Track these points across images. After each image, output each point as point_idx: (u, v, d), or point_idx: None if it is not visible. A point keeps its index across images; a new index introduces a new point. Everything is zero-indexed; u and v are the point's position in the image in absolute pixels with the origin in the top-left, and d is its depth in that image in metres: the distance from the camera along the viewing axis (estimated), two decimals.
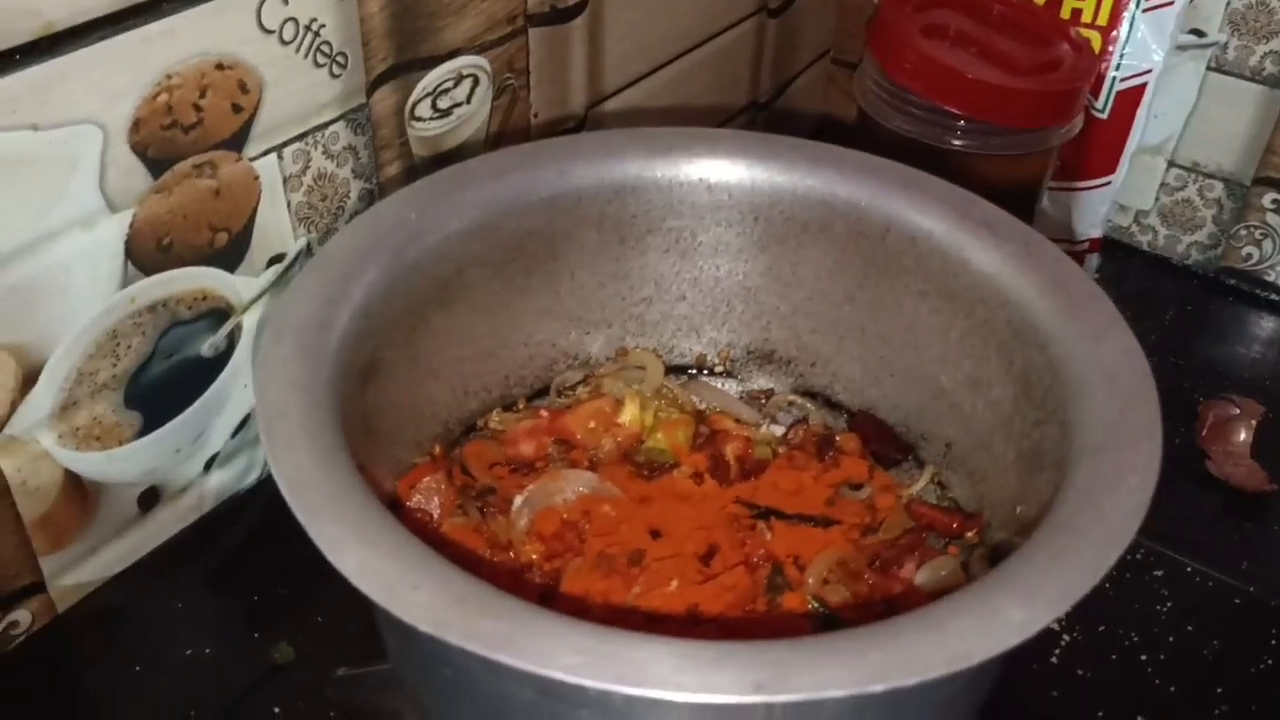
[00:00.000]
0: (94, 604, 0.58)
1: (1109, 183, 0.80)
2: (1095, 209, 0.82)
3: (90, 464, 0.55)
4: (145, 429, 0.56)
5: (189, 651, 0.56)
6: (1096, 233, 0.83)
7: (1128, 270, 0.90)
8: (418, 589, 0.37)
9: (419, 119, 0.63)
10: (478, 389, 0.60)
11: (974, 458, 0.56)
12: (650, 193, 0.58)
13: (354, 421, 0.49)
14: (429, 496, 0.55)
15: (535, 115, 0.70)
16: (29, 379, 0.50)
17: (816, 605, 0.51)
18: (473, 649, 0.35)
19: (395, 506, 0.55)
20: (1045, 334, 0.49)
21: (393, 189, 0.62)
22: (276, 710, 0.53)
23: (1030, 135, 0.69)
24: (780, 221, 0.59)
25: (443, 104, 0.64)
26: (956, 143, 0.68)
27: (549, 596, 0.52)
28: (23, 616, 0.55)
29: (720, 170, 0.58)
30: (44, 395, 0.51)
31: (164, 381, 0.56)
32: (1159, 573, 0.63)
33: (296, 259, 0.60)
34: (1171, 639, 0.60)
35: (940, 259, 0.54)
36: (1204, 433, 0.71)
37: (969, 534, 0.55)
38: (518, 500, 0.55)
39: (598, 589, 0.52)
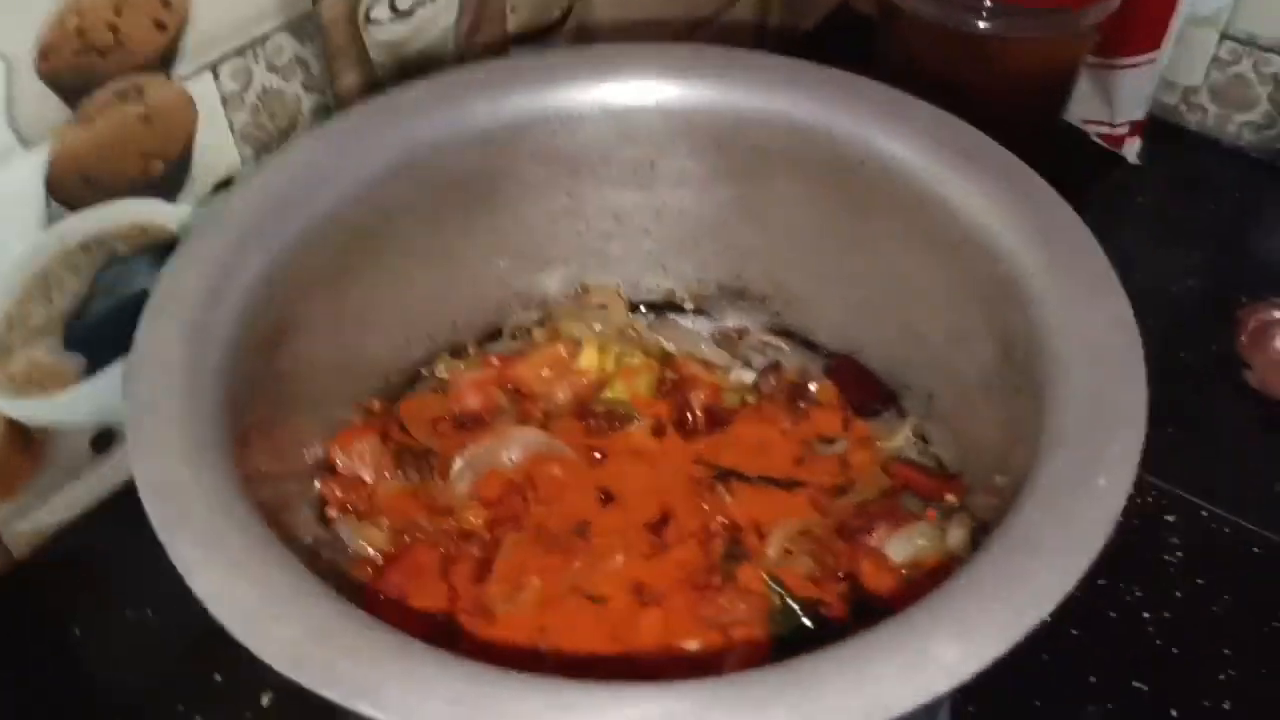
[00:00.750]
0: (57, 548, 0.55)
1: (1154, 59, 0.72)
2: (1138, 88, 0.74)
3: (32, 410, 0.52)
4: (90, 370, 0.54)
5: (159, 589, 0.53)
6: (1139, 114, 0.75)
7: (1173, 153, 0.81)
8: (279, 620, 0.33)
9: (375, 22, 0.57)
10: (420, 336, 0.56)
11: (958, 414, 0.51)
12: (599, 121, 0.53)
13: (261, 393, 0.45)
14: (359, 460, 0.51)
15: (512, 9, 0.64)
16: None
17: (774, 586, 0.47)
18: (329, 695, 0.32)
19: (329, 470, 0.51)
20: (1027, 292, 0.43)
21: (351, 100, 0.56)
22: None
23: (1064, 15, 0.61)
24: (747, 150, 0.53)
25: (402, 4, 0.58)
26: (983, 25, 0.61)
27: (484, 571, 0.48)
28: None
29: (675, 94, 0.52)
30: None
31: (106, 321, 0.53)
32: (1170, 518, 0.58)
33: None
34: (1178, 594, 0.54)
35: (917, 196, 0.48)
36: (1244, 339, 0.64)
37: (949, 496, 0.50)
38: (458, 462, 0.52)
39: (535, 565, 0.48)
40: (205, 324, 0.42)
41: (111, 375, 0.54)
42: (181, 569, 0.34)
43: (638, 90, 0.52)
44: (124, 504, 0.55)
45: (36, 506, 0.54)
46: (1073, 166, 0.74)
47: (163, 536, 0.35)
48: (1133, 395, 0.38)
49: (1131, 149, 0.77)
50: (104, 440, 0.56)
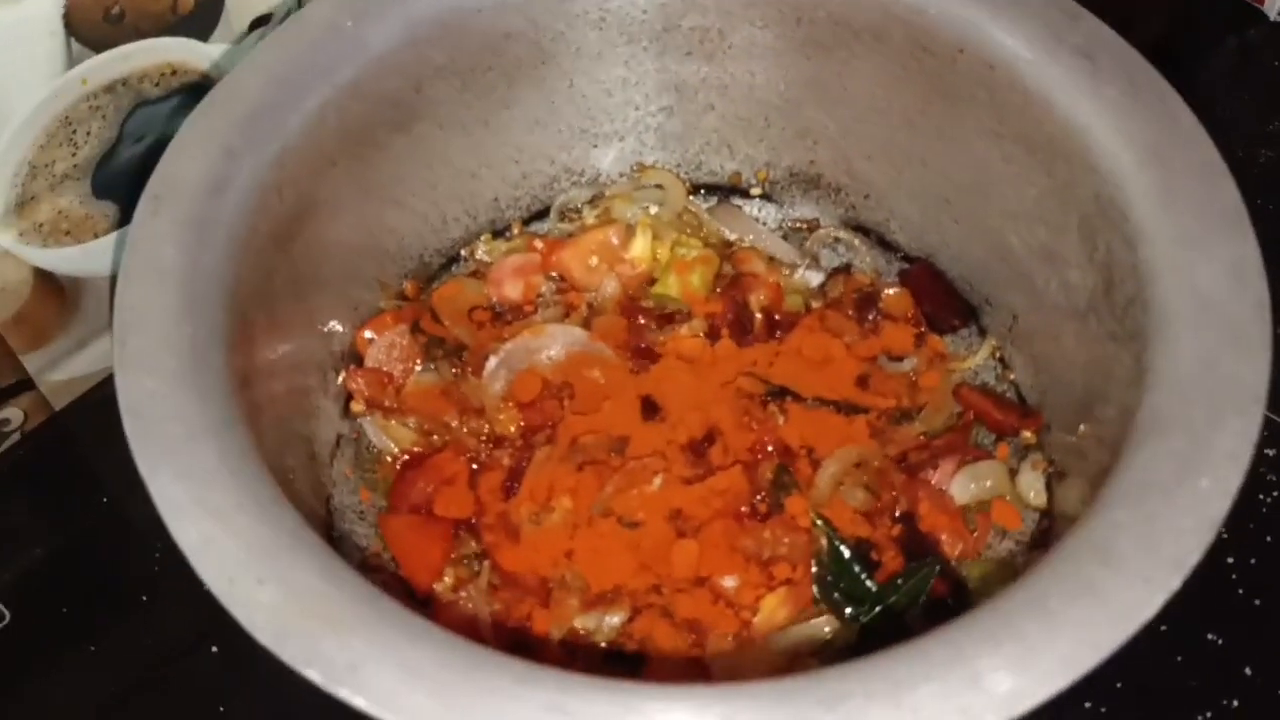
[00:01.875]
0: (96, 397, 0.54)
1: None
2: None
3: (63, 259, 0.51)
4: (123, 219, 0.51)
5: None
6: None
7: None
8: (263, 584, 0.30)
9: None
10: (459, 214, 0.51)
11: (1041, 340, 0.46)
12: None
13: (275, 284, 0.42)
14: (388, 352, 0.48)
15: None
16: None
17: (821, 525, 0.43)
18: (310, 676, 0.29)
19: (355, 359, 0.48)
20: (1136, 225, 0.37)
21: None
22: None
23: None
24: (827, 24, 0.46)
25: None
26: None
27: (513, 483, 0.45)
28: (13, 414, 0.52)
29: None
30: None
31: (136, 167, 0.51)
32: (1271, 451, 0.52)
33: (286, 18, 0.51)
34: (1269, 539, 0.49)
35: (1021, 96, 0.42)
36: None
37: (1025, 433, 0.46)
38: (492, 360, 0.48)
39: (567, 483, 0.44)
40: (206, 219, 0.38)
41: None
42: (163, 512, 0.32)
43: None
44: None
45: (72, 357, 0.53)
46: (1203, 19, 0.66)
47: (143, 470, 0.32)
48: (1252, 372, 0.33)
49: (1273, 4, 0.67)
50: None
